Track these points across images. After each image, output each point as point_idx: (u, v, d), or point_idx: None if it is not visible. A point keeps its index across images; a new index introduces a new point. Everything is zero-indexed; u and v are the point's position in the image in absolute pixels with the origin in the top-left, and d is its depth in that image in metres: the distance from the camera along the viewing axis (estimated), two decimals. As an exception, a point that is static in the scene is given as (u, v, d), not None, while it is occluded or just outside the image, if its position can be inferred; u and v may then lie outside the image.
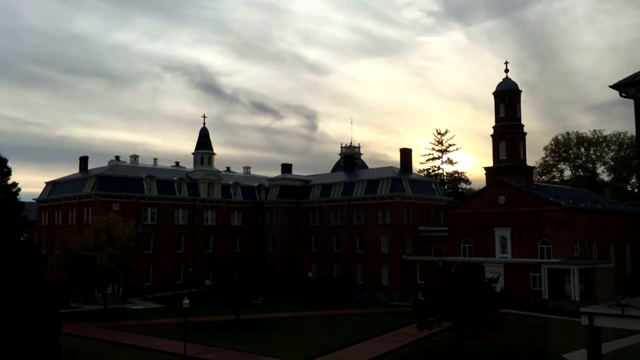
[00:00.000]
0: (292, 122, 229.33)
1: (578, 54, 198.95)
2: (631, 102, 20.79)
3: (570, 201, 70.70)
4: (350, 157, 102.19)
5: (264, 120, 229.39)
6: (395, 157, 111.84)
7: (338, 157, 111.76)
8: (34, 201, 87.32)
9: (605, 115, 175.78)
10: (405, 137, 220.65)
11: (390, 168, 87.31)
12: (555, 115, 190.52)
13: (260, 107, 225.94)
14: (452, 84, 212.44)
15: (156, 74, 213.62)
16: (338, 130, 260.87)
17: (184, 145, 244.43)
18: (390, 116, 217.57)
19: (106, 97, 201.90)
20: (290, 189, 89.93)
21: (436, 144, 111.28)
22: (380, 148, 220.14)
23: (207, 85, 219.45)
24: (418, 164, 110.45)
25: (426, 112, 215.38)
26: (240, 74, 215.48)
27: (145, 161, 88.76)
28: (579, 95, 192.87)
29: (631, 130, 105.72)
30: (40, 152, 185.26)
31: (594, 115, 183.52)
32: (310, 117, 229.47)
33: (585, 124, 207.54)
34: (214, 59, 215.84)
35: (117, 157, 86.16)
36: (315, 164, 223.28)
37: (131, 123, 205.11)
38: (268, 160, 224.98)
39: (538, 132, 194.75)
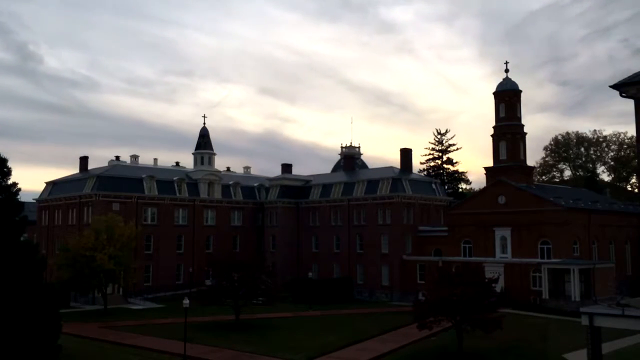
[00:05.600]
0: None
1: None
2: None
3: (570, 201, 70.66)
4: (350, 157, 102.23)
5: None
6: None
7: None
8: (34, 201, 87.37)
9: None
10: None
11: (391, 168, 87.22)
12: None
13: None
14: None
15: None
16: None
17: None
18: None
19: None
20: (291, 189, 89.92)
21: (436, 144, 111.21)
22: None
23: None
24: (418, 163, 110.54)
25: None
26: None
27: (143, 161, 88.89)
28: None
29: (630, 130, 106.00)
30: None
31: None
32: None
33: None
34: None
35: (117, 157, 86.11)
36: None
37: None
38: None
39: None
